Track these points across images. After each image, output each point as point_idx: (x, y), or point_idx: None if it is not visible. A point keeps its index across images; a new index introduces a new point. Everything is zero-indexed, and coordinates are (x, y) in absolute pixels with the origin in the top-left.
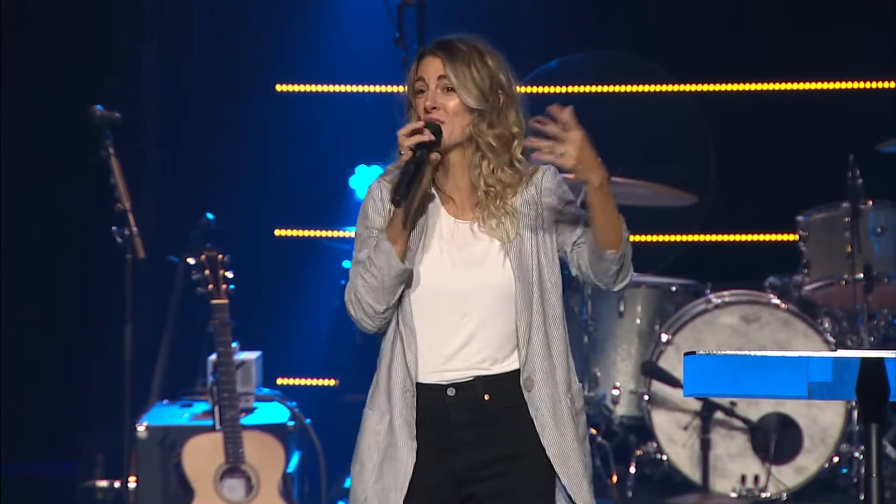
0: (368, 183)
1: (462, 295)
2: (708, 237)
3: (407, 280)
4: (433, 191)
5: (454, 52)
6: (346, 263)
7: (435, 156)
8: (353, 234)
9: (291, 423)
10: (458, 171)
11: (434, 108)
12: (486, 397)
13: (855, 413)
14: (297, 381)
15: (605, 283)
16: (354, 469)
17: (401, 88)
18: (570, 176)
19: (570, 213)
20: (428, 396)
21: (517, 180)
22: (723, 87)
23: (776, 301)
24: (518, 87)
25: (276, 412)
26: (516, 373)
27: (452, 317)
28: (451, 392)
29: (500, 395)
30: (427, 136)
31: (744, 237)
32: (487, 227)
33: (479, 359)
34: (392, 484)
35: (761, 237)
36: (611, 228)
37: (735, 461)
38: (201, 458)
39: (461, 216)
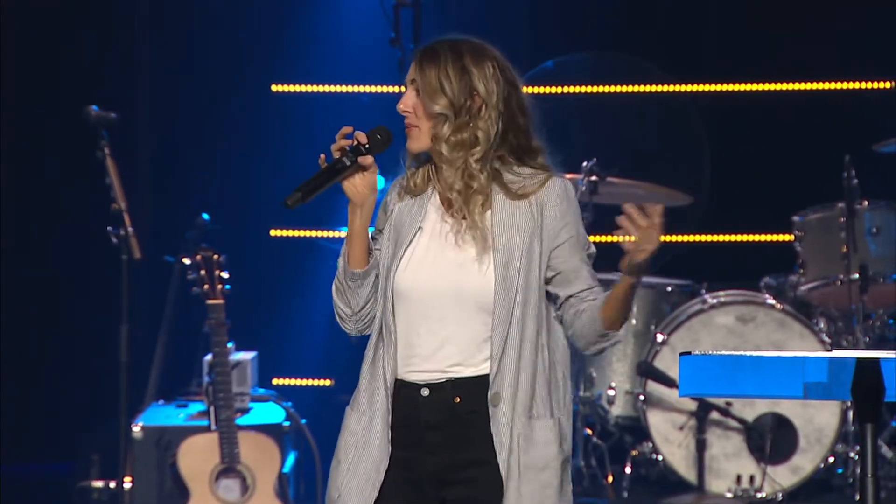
0: None
1: (439, 297)
2: (703, 237)
3: (383, 283)
4: (433, 191)
5: (428, 54)
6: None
7: (366, 160)
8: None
9: (287, 424)
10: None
11: (406, 110)
12: (457, 400)
13: (850, 413)
14: (292, 382)
15: (584, 347)
16: (332, 465)
17: (397, 88)
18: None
19: (571, 254)
20: (404, 395)
21: (485, 188)
22: (718, 87)
23: (772, 301)
24: (524, 89)
25: (272, 412)
26: (486, 379)
27: (431, 317)
28: (424, 392)
29: (471, 399)
30: (350, 142)
31: (739, 237)
32: (472, 232)
33: (453, 361)
34: (365, 482)
35: (757, 237)
36: (623, 316)
37: (731, 461)
38: (197, 458)
39: (454, 217)
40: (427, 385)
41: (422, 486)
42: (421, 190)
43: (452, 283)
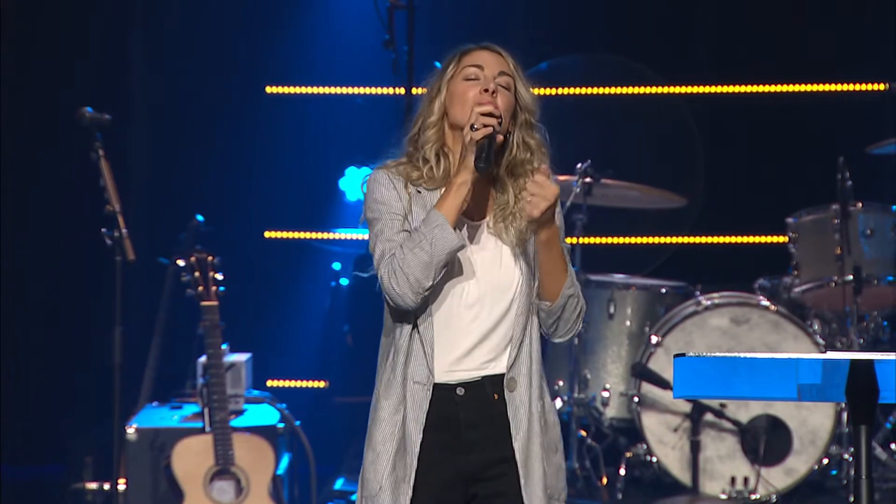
0: (358, 184)
1: (477, 296)
2: (697, 239)
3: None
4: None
5: (511, 55)
6: (336, 265)
7: (500, 138)
8: (342, 236)
9: (281, 425)
10: None
11: (495, 93)
12: (496, 397)
13: (844, 415)
14: (287, 383)
15: (543, 330)
16: (368, 457)
17: (390, 90)
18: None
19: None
20: (438, 396)
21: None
22: (712, 89)
23: (766, 303)
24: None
25: (266, 414)
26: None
27: (467, 317)
28: (460, 392)
29: (503, 395)
30: (495, 121)
31: (733, 239)
32: (496, 229)
33: (488, 359)
34: (402, 475)
35: (751, 239)
36: (552, 280)
37: (725, 463)
38: (191, 460)
39: (474, 216)
40: (461, 384)
41: (454, 484)
42: (440, 184)
43: (491, 281)
